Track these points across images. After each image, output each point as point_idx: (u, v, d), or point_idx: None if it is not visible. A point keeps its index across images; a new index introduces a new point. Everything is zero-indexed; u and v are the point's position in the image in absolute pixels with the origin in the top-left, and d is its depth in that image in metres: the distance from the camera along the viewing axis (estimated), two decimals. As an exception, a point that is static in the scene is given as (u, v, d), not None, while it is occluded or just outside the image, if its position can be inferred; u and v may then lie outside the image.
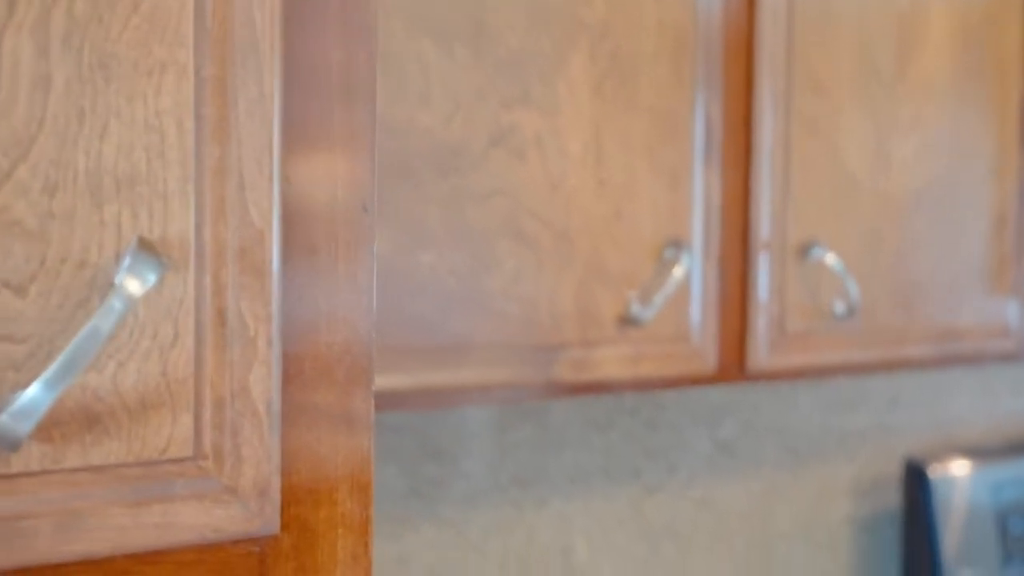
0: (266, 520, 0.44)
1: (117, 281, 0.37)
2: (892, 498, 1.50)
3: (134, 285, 0.37)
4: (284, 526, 0.45)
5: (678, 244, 0.93)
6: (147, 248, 0.39)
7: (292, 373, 0.45)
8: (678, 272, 0.92)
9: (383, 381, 0.81)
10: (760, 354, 1.00)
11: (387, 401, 0.82)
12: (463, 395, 0.85)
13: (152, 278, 0.38)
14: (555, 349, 0.88)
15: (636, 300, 0.91)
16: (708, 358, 0.97)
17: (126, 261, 0.38)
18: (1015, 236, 1.20)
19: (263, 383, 0.43)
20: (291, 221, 0.44)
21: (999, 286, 1.19)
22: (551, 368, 0.88)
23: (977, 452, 1.45)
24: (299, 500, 0.45)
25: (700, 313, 0.96)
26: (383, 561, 1.11)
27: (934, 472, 1.37)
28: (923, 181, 1.11)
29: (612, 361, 0.91)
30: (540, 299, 0.87)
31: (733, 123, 0.97)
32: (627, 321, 0.91)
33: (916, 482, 1.37)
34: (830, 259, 1.01)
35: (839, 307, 1.03)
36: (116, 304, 0.37)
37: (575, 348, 0.89)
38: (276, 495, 0.44)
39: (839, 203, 1.04)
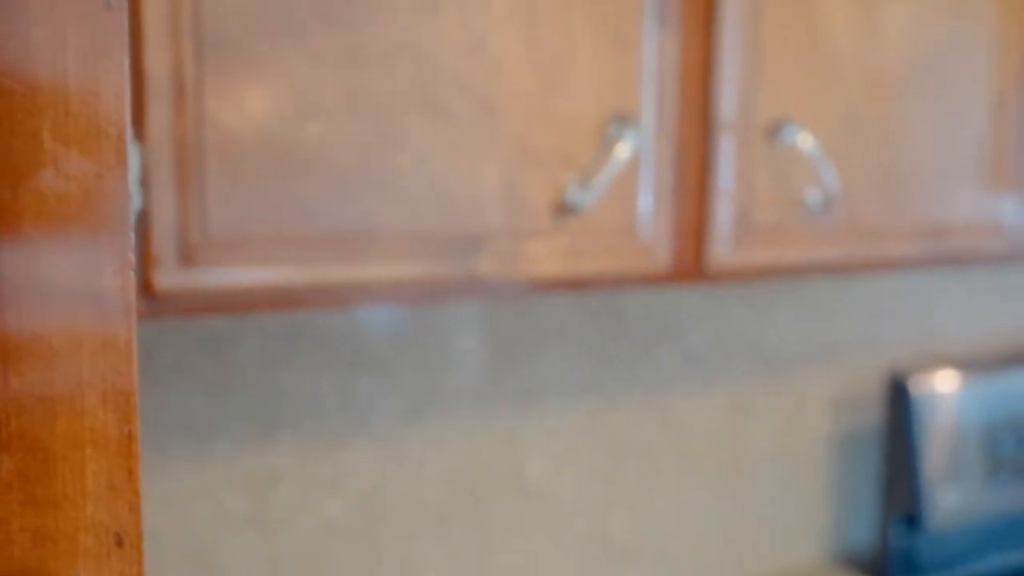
0: (-35, 438, 0.31)
1: None
2: (873, 414, 1.40)
3: None
4: (2, 445, 0.33)
5: (624, 119, 0.80)
6: None
7: (-1, 231, 0.32)
8: (623, 150, 0.78)
9: (268, 276, 0.68)
10: (721, 250, 0.87)
11: (276, 300, 0.69)
12: (367, 292, 0.73)
13: None
14: (477, 241, 0.75)
15: (574, 184, 0.78)
16: (660, 254, 0.84)
17: None
18: (1016, 122, 1.07)
19: (-56, 243, 0.30)
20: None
21: (996, 179, 1.06)
22: (472, 262, 0.75)
23: (965, 364, 1.35)
24: (24, 410, 0.33)
25: (651, 201, 0.83)
26: (316, 482, 1.01)
27: (918, 386, 1.27)
28: (915, 56, 0.96)
29: (545, 255, 0.78)
30: (458, 181, 0.74)
31: (694, -21, 0.83)
32: (563, 209, 0.78)
33: (899, 397, 1.28)
34: (804, 141, 0.88)
35: (814, 197, 0.90)
36: None
37: (501, 239, 0.76)
38: (-18, 403, 0.32)
39: (817, 77, 0.90)
